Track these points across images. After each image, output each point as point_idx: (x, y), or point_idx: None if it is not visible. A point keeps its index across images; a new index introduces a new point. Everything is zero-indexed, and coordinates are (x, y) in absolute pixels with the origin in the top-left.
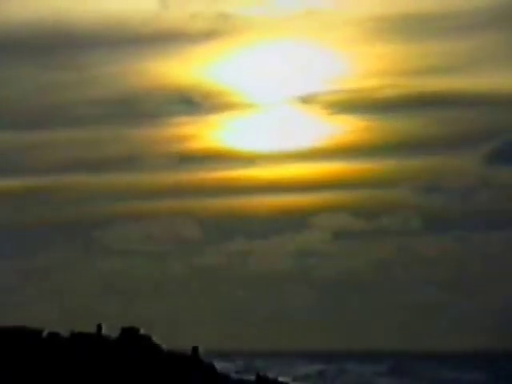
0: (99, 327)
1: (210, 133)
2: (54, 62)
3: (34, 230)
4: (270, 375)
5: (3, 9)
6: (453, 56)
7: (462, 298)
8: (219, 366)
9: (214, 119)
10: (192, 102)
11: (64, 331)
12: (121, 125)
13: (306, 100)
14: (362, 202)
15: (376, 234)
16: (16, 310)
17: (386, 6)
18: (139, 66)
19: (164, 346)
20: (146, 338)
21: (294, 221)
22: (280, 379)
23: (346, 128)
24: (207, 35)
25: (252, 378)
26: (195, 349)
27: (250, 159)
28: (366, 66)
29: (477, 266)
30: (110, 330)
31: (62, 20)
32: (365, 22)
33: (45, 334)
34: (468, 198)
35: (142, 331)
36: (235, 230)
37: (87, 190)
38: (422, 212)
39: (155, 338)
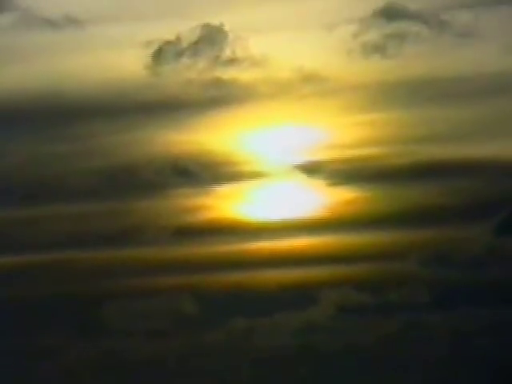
0: None
1: (210, 205)
2: (50, 134)
3: (33, 306)
4: None
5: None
6: (461, 123)
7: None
8: None
9: (214, 190)
10: (190, 173)
11: None
12: (119, 197)
13: (310, 169)
14: (368, 275)
15: (383, 308)
16: None
17: (392, 72)
18: (137, 136)
19: None
20: None
21: (298, 296)
22: None
23: (352, 198)
24: (204, 103)
25: None
26: None
27: (251, 232)
28: (372, 133)
29: (486, 339)
30: None
31: (57, 92)
32: (370, 89)
33: None
34: (478, 269)
35: None
36: (236, 306)
37: (85, 266)
38: (430, 285)
39: None
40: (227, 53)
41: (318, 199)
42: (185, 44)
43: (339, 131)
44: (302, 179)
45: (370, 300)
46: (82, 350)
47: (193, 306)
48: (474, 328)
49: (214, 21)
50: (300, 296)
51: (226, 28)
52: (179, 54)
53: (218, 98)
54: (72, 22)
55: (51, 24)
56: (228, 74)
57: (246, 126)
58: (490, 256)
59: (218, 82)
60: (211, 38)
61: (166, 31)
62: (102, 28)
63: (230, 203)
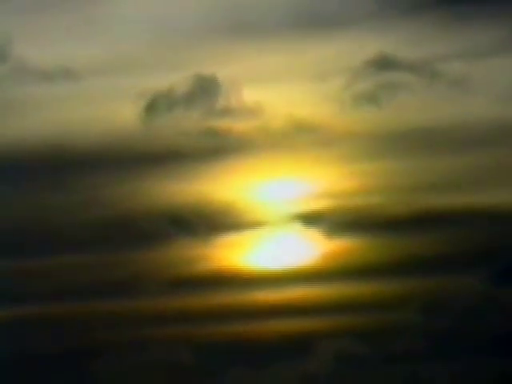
0: None
1: (208, 255)
2: (47, 186)
3: (29, 358)
4: None
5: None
6: (456, 173)
7: None
8: None
9: (212, 240)
10: (188, 223)
11: None
12: (117, 248)
13: (307, 218)
14: (367, 325)
15: (382, 358)
16: None
17: (384, 122)
18: (134, 187)
19: None
20: None
21: (296, 346)
22: None
23: (350, 247)
24: (199, 153)
25: None
26: None
27: (249, 282)
28: (368, 183)
29: None
30: None
31: (52, 143)
32: (363, 138)
33: None
34: (476, 319)
35: None
36: (234, 356)
37: (83, 317)
38: (429, 334)
39: None
40: (221, 102)
41: (316, 249)
42: (178, 94)
43: (334, 181)
44: (300, 229)
45: (368, 350)
46: None
47: (190, 356)
48: (473, 377)
49: (207, 71)
50: (298, 346)
51: (219, 78)
52: (172, 104)
53: (213, 148)
54: (65, 73)
55: (44, 75)
56: (222, 123)
57: (243, 176)
58: (488, 305)
59: (213, 132)
60: (204, 88)
61: (158, 82)
62: (96, 80)
63: (227, 253)
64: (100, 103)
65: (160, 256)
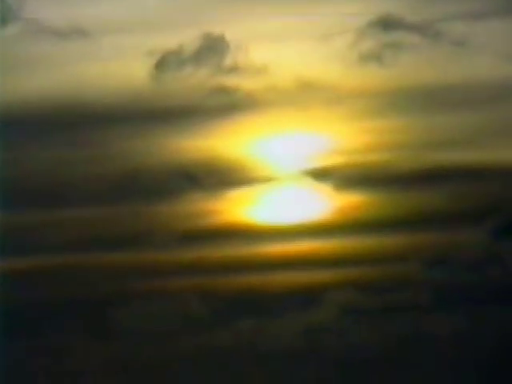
0: None
1: (218, 209)
2: (61, 141)
3: (45, 308)
4: None
5: (24, 86)
6: (460, 130)
7: None
8: None
9: (223, 195)
10: (199, 178)
11: None
12: (129, 202)
13: (317, 174)
14: (372, 277)
15: (386, 310)
16: None
17: (389, 81)
18: (144, 142)
19: None
20: None
21: (303, 298)
22: None
23: (357, 202)
24: (208, 110)
25: None
26: None
27: (259, 235)
28: (375, 140)
29: (486, 342)
30: None
31: (65, 100)
32: (368, 96)
33: None
34: (478, 271)
35: None
36: (244, 307)
37: (97, 269)
38: (432, 287)
39: None
40: (229, 61)
41: (325, 203)
42: (187, 53)
43: (343, 138)
44: (310, 184)
45: (373, 302)
46: (94, 351)
47: (201, 307)
48: (475, 328)
49: (216, 30)
50: (305, 298)
51: (227, 37)
52: (182, 62)
53: (222, 105)
54: (77, 32)
55: (57, 34)
56: (230, 81)
57: (253, 133)
58: (489, 258)
59: (221, 90)
60: (213, 47)
61: (168, 41)
62: (107, 38)
63: (238, 207)
64: (111, 61)
65: (171, 210)
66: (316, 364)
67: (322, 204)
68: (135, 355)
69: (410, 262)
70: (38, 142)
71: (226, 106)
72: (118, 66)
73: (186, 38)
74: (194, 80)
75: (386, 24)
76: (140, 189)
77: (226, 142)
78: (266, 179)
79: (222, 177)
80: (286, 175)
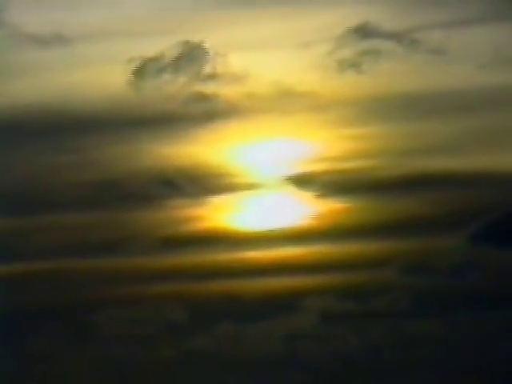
0: None
1: (199, 215)
2: (40, 148)
3: (28, 313)
4: None
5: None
6: (446, 136)
7: None
8: None
9: (204, 202)
10: (180, 185)
11: None
12: (112, 208)
13: (299, 180)
14: (352, 283)
15: (365, 316)
16: None
17: (373, 87)
18: (126, 149)
19: None
20: None
21: (284, 304)
22: None
23: (339, 209)
24: (188, 117)
25: None
26: None
27: (240, 242)
28: (354, 147)
29: (465, 347)
30: None
31: (45, 107)
32: (356, 103)
33: None
34: (455, 277)
35: None
36: (224, 313)
37: (79, 275)
38: (411, 293)
39: None
40: (208, 69)
41: (305, 210)
42: (166, 60)
43: (323, 145)
44: (293, 190)
45: (352, 308)
46: (75, 355)
47: (181, 313)
48: (454, 333)
49: (195, 38)
50: (285, 304)
51: (207, 45)
52: (161, 70)
53: (201, 112)
54: (58, 38)
55: (38, 40)
56: (209, 89)
57: (232, 140)
58: (468, 264)
59: (200, 97)
60: (192, 54)
61: (148, 48)
62: (87, 45)
63: (220, 214)
64: (91, 68)
65: (153, 216)
66: (296, 369)
67: (303, 210)
68: (117, 359)
69: (390, 267)
70: (14, 149)
71: (206, 113)
72: (98, 73)
73: (166, 45)
74: (174, 87)
75: (364, 32)
76: (122, 195)
77: (208, 148)
78: (247, 186)
79: (204, 183)
80: (268, 182)
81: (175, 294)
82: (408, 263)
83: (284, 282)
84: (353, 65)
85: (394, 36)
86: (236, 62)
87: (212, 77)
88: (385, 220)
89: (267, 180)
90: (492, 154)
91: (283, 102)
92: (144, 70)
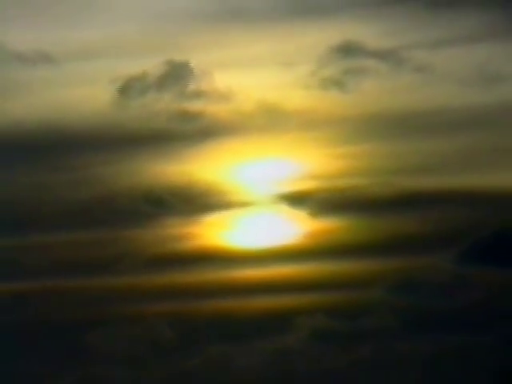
0: None
1: (190, 234)
2: (36, 165)
3: (18, 333)
4: None
5: None
6: (437, 155)
7: None
8: None
9: (194, 220)
10: (172, 203)
11: None
12: (106, 227)
13: (291, 198)
14: (341, 302)
15: (354, 334)
16: None
17: (374, 105)
18: (121, 167)
19: None
20: None
21: (274, 322)
22: None
23: (330, 228)
24: (174, 136)
25: None
26: None
27: (232, 260)
28: (350, 164)
29: (452, 367)
30: None
31: (27, 126)
32: (346, 121)
33: None
34: (442, 296)
35: None
36: (214, 332)
37: (70, 294)
38: (399, 312)
39: None
40: (193, 87)
41: (296, 228)
42: (151, 79)
43: (310, 163)
44: (284, 208)
45: (342, 326)
46: (64, 374)
47: (172, 332)
48: (440, 352)
49: (180, 57)
50: (276, 323)
51: (191, 64)
52: (146, 88)
53: (187, 130)
54: (43, 57)
55: (22, 59)
56: (194, 107)
57: (222, 158)
58: (453, 283)
59: (185, 115)
60: (177, 73)
61: (133, 67)
62: (72, 64)
63: (210, 232)
64: (76, 87)
65: (144, 235)
66: None
67: (294, 229)
68: (106, 378)
69: (378, 286)
70: (4, 168)
71: (193, 131)
72: (83, 92)
73: (150, 64)
74: (159, 106)
75: (348, 51)
76: (113, 214)
77: (196, 166)
78: (239, 204)
79: (195, 202)
80: (259, 200)
81: (166, 313)
82: (396, 282)
83: (274, 302)
84: (337, 83)
85: (378, 54)
86: (221, 80)
87: (197, 95)
88: (373, 239)
89: (258, 198)
90: (479, 173)
91: (268, 120)
92: (128, 88)
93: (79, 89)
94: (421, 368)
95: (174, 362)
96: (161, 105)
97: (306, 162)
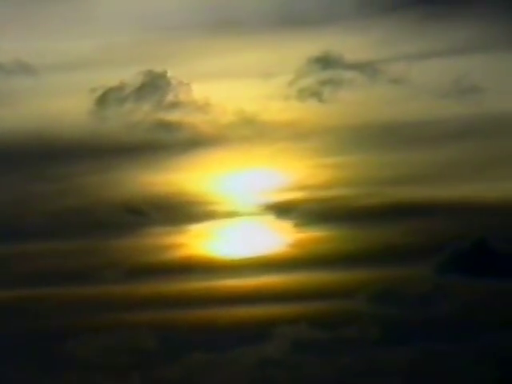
0: None
1: (174, 244)
2: (17, 175)
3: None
4: None
5: None
6: (427, 166)
7: None
8: None
9: (178, 230)
10: (155, 213)
11: None
12: (90, 236)
13: (275, 209)
14: (322, 312)
15: (336, 344)
16: None
17: (352, 117)
18: (107, 177)
19: None
20: None
21: (255, 332)
22: None
23: (314, 238)
24: (154, 146)
25: None
26: None
27: (216, 270)
28: (338, 175)
29: (433, 376)
30: None
31: (22, 135)
32: (339, 132)
33: None
34: (424, 307)
35: None
36: (195, 341)
37: (53, 303)
38: (380, 322)
39: None
40: (171, 98)
41: (281, 239)
42: (128, 90)
43: (293, 174)
44: (269, 219)
45: (323, 336)
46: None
47: (153, 341)
48: (421, 362)
49: (158, 68)
50: (257, 332)
51: (169, 75)
52: (123, 99)
53: (166, 140)
54: (22, 68)
55: (1, 69)
56: (172, 117)
57: (202, 168)
58: (434, 294)
59: (163, 125)
60: (154, 84)
61: (111, 78)
62: (51, 75)
63: (193, 243)
64: (55, 97)
65: (127, 245)
66: None
67: (279, 239)
68: None
69: (360, 296)
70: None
71: (172, 141)
72: (62, 103)
73: (128, 75)
74: (137, 116)
75: (326, 62)
76: (96, 224)
77: (181, 177)
78: (223, 214)
79: (179, 212)
80: (242, 210)
81: (148, 322)
82: (377, 292)
83: (257, 311)
84: (314, 94)
85: (356, 66)
86: (200, 91)
87: (176, 106)
88: (357, 249)
89: (242, 209)
90: (457, 184)
91: (247, 131)
92: (109, 99)
93: (59, 99)
94: (402, 378)
95: (156, 370)
96: (140, 115)
97: (289, 173)
